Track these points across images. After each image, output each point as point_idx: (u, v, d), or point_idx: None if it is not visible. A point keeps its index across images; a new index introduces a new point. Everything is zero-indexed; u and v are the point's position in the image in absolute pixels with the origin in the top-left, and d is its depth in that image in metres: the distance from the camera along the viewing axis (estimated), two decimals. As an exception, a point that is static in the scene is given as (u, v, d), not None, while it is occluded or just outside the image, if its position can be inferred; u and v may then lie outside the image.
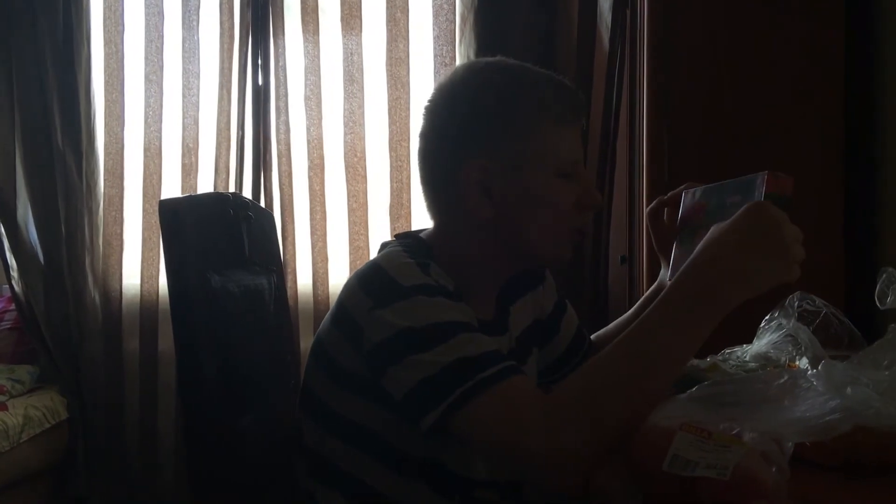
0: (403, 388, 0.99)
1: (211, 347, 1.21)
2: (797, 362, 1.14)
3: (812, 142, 1.96)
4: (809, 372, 0.94)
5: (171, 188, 2.96)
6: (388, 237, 2.77)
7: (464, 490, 1.15)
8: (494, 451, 0.99)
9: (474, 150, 1.12)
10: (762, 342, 1.23)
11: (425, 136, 1.18)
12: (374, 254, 3.16)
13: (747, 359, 1.24)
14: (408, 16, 2.83)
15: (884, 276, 1.08)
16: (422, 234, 1.21)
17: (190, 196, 1.56)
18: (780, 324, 1.22)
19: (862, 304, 1.33)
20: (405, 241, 1.18)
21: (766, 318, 1.26)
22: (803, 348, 1.14)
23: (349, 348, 1.06)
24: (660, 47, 1.99)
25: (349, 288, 1.10)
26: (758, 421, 0.84)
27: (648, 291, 1.42)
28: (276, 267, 1.50)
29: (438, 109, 1.17)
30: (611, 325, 1.48)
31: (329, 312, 1.14)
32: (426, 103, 1.19)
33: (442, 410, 0.96)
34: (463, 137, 1.13)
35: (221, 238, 1.33)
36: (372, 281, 1.06)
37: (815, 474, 0.88)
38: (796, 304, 1.23)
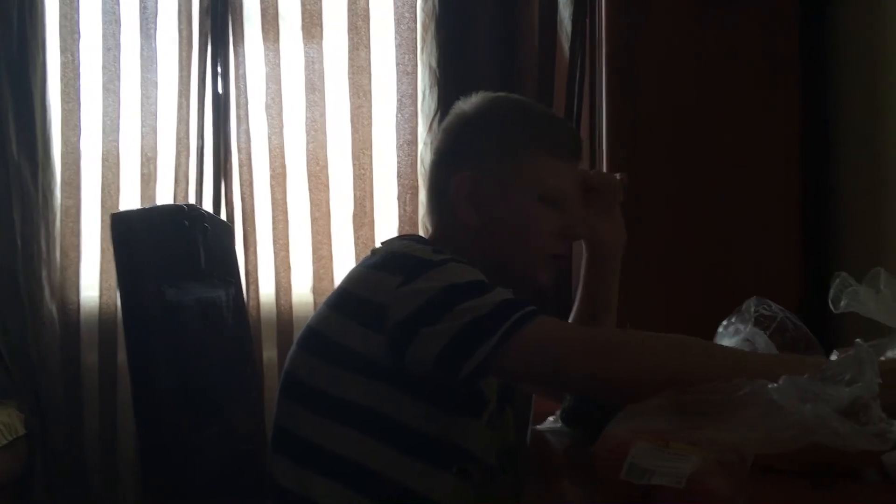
0: (445, 337, 1.04)
1: (167, 361, 1.20)
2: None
3: (769, 146, 1.98)
4: (770, 385, 0.95)
5: (130, 198, 2.90)
6: (351, 246, 2.78)
7: (462, 463, 1.18)
8: (545, 370, 1.06)
9: (470, 163, 1.26)
10: (720, 347, 1.24)
11: (435, 150, 1.33)
12: (338, 262, 3.08)
13: (706, 364, 1.24)
14: (369, 24, 2.81)
15: (837, 280, 1.10)
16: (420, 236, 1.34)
17: (143, 209, 1.54)
18: (738, 328, 1.24)
19: (817, 309, 1.34)
20: (409, 238, 1.31)
21: (724, 322, 1.27)
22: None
23: (360, 329, 1.10)
24: (618, 56, 2.01)
25: (360, 275, 1.18)
26: (719, 430, 0.84)
27: (584, 263, 1.47)
28: (233, 279, 1.49)
29: (449, 128, 1.32)
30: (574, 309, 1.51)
31: (324, 304, 1.20)
32: (443, 124, 1.36)
33: (497, 339, 1.01)
34: (463, 151, 1.28)
35: (176, 251, 1.31)
36: (396, 262, 1.13)
37: (778, 481, 0.89)
38: (752, 308, 1.24)
